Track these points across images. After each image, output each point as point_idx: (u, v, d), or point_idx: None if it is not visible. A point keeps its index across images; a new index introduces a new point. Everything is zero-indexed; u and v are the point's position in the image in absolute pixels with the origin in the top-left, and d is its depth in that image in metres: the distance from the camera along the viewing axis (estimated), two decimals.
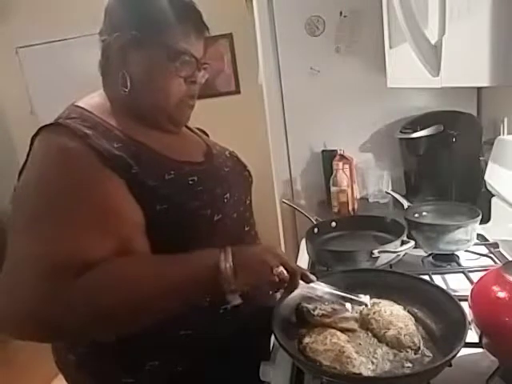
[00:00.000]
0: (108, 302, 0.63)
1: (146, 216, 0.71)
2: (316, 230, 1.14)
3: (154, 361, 0.76)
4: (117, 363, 0.77)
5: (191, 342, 0.76)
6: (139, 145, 0.75)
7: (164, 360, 0.76)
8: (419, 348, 0.66)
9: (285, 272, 0.68)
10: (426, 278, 0.90)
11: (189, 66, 0.78)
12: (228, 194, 0.81)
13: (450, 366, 0.60)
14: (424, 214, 1.15)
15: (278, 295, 0.89)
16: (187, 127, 0.97)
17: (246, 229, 0.88)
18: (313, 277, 0.73)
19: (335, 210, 1.58)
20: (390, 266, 0.98)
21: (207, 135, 1.03)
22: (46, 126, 0.71)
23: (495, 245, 1.08)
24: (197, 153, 0.87)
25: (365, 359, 0.65)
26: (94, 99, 0.81)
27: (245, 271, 0.66)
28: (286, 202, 1.41)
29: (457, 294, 0.80)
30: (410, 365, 0.63)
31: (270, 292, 0.88)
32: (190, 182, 0.76)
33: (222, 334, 0.79)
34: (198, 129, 1.02)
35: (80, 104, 0.79)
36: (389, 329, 0.69)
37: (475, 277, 0.89)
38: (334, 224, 1.18)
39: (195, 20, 0.79)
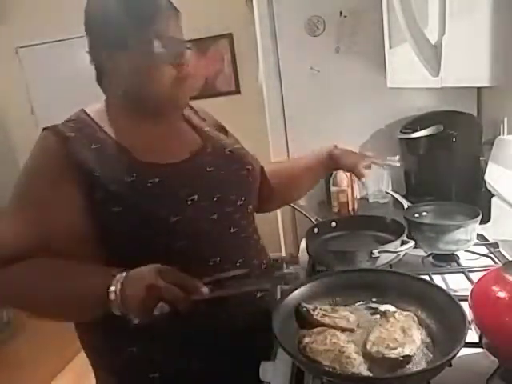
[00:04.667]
0: (14, 298, 0.76)
1: (105, 219, 0.76)
2: (316, 230, 1.14)
3: (132, 347, 0.80)
4: (104, 343, 0.84)
5: (166, 334, 0.79)
6: (115, 147, 0.81)
7: (141, 347, 0.80)
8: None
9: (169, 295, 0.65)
10: (426, 277, 0.90)
11: (170, 50, 0.80)
12: (196, 196, 0.81)
13: (450, 365, 0.60)
14: (424, 213, 1.15)
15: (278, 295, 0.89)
16: (190, 124, 0.96)
17: (233, 230, 0.85)
18: (204, 290, 0.68)
19: (335, 209, 1.58)
20: (390, 266, 0.98)
21: (225, 131, 1.04)
22: (46, 127, 0.81)
23: (495, 245, 1.08)
24: (182, 151, 0.87)
25: (363, 358, 0.65)
26: (98, 104, 0.88)
27: (128, 299, 0.66)
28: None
29: (457, 293, 0.80)
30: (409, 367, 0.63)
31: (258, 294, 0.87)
32: (149, 185, 0.77)
33: (197, 329, 0.80)
34: (219, 125, 1.04)
35: (86, 108, 0.87)
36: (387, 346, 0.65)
37: (475, 277, 0.88)
38: (334, 224, 1.17)
39: (163, 4, 0.81)
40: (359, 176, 1.02)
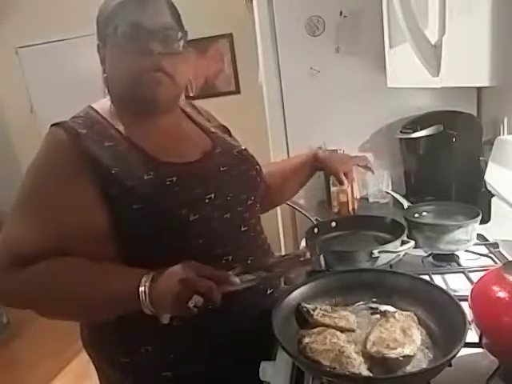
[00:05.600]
0: (36, 299, 0.74)
1: (122, 216, 0.75)
2: (316, 229, 1.14)
3: (148, 345, 0.80)
4: (116, 343, 0.83)
5: (181, 334, 0.78)
6: (129, 144, 0.80)
7: (156, 346, 0.80)
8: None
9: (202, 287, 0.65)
10: (426, 277, 0.90)
11: (137, 38, 0.76)
12: (213, 195, 0.81)
13: (450, 365, 0.60)
14: (424, 213, 1.15)
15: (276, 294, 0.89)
16: (197, 124, 0.95)
17: (243, 229, 0.87)
18: (235, 279, 0.69)
19: (335, 209, 1.58)
20: (390, 266, 0.98)
21: (229, 132, 1.04)
22: (54, 123, 0.80)
23: (495, 245, 1.08)
24: (193, 151, 0.86)
25: (363, 358, 0.65)
26: (104, 100, 0.87)
27: (161, 296, 0.66)
28: (286, 201, 1.41)
29: (457, 293, 0.80)
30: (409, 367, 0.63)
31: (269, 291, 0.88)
32: (168, 183, 0.77)
33: (212, 328, 0.80)
34: (223, 126, 1.03)
35: (94, 105, 0.86)
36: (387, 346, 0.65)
37: (475, 277, 0.88)
38: (333, 224, 1.17)
39: None
40: (340, 183, 1.06)
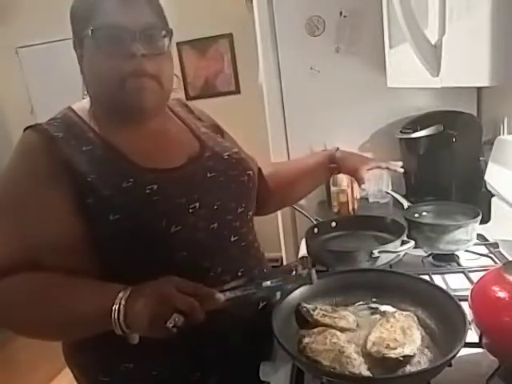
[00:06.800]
0: (4, 316, 0.69)
1: (98, 227, 0.70)
2: (316, 229, 1.14)
3: (128, 363, 0.76)
4: (95, 361, 0.79)
5: (164, 348, 0.72)
6: (109, 149, 0.75)
7: (138, 363, 0.76)
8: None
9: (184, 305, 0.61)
10: (426, 277, 0.90)
11: (117, 40, 0.71)
12: (197, 204, 0.76)
13: (450, 365, 0.60)
14: (424, 213, 1.15)
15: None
16: (186, 124, 0.90)
17: (233, 239, 0.81)
18: (219, 295, 0.64)
19: (335, 210, 1.58)
20: (390, 266, 0.98)
21: (222, 132, 0.98)
22: (29, 126, 0.75)
23: (495, 245, 1.08)
24: (179, 155, 0.81)
25: (363, 358, 0.65)
26: (85, 101, 0.82)
27: (137, 315, 0.61)
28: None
29: (457, 294, 0.80)
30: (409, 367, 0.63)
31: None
32: (148, 191, 0.72)
33: (199, 341, 0.75)
34: (215, 125, 0.98)
35: (73, 106, 0.81)
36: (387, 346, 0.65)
37: (475, 277, 0.88)
38: (333, 224, 1.17)
39: None
40: (359, 182, 0.99)
